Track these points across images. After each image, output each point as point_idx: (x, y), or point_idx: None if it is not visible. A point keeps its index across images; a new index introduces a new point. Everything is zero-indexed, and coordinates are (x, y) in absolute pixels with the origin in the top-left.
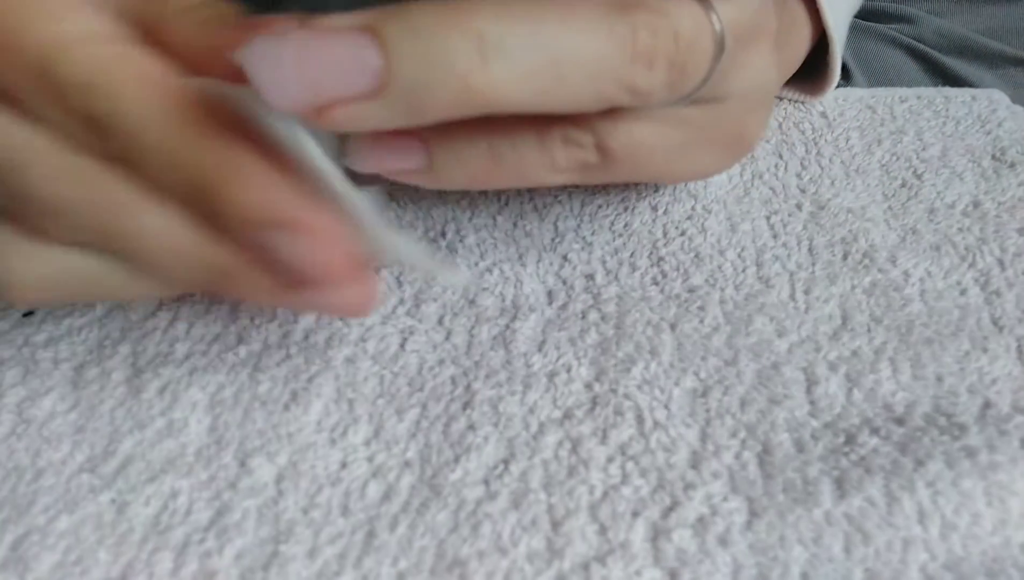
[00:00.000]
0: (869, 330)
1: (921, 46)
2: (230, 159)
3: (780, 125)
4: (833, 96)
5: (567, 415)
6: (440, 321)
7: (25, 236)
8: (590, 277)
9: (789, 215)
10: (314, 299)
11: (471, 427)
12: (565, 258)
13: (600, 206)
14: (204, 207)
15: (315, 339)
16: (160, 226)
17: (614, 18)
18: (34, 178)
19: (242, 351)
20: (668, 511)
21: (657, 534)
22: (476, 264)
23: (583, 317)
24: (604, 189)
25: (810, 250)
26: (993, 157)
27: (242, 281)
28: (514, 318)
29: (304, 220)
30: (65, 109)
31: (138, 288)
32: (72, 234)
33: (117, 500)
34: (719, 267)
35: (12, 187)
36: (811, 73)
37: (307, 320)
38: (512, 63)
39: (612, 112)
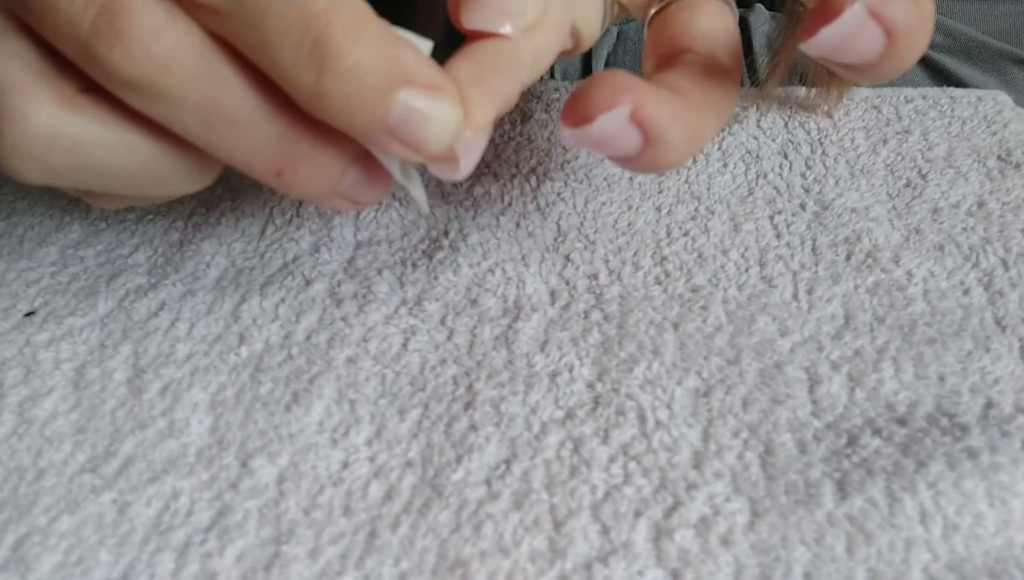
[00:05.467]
0: (872, 330)
1: (926, 50)
2: (368, 25)
3: (786, 125)
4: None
5: (569, 415)
6: (442, 321)
7: (58, 93)
8: (593, 277)
9: (793, 215)
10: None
11: (473, 427)
12: (568, 258)
13: (604, 205)
14: (330, 72)
15: (317, 339)
16: (247, 105)
17: None
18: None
19: (243, 352)
20: (670, 511)
21: (659, 534)
22: (479, 264)
23: (585, 317)
24: (608, 188)
25: (813, 250)
26: (999, 158)
27: (305, 164)
28: (516, 318)
29: (437, 82)
30: None
31: (166, 175)
32: (154, 109)
33: (118, 500)
34: (722, 267)
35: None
36: None
37: (309, 320)
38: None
39: None
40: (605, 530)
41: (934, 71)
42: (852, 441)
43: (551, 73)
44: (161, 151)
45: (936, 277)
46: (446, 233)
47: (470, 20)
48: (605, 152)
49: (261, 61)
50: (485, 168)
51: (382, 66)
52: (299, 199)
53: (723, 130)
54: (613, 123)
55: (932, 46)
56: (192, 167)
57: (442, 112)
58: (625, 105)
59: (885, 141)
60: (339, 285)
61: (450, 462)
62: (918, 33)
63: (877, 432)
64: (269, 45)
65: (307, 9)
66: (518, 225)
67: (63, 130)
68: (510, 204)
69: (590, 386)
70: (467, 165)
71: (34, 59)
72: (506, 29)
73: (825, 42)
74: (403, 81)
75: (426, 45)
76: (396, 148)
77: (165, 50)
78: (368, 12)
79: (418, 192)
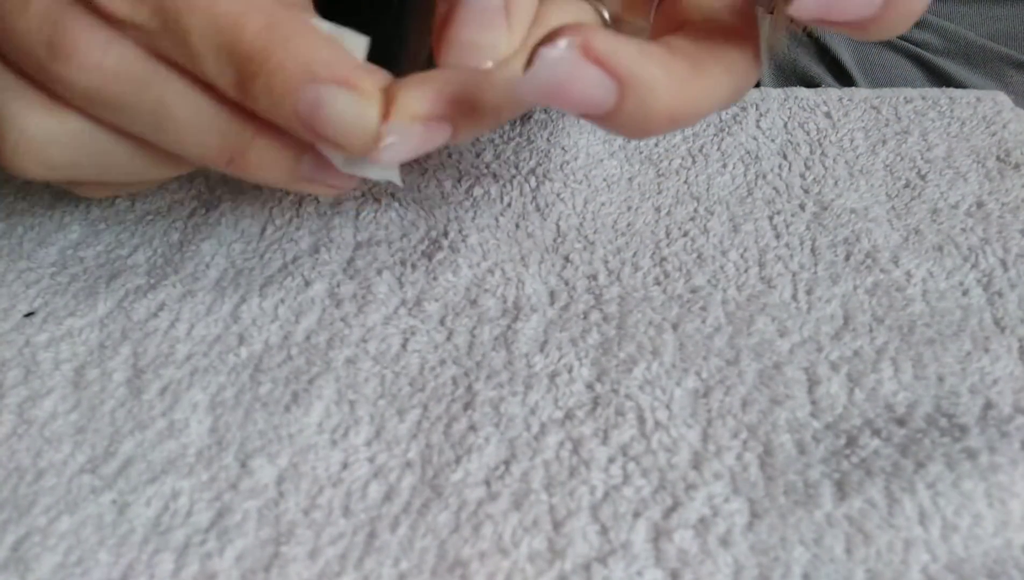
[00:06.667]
0: (871, 330)
1: (925, 53)
2: (278, 28)
3: (785, 125)
4: (838, 96)
5: (568, 416)
6: (442, 321)
7: (44, 97)
8: (592, 277)
9: (792, 215)
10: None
11: (472, 428)
12: (567, 259)
13: (603, 205)
14: (246, 75)
15: (316, 340)
16: (190, 103)
17: None
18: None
19: (243, 352)
20: (669, 511)
21: (658, 534)
22: (478, 264)
23: (585, 317)
24: (607, 188)
25: (813, 250)
26: (998, 158)
27: (253, 152)
28: (516, 319)
29: (351, 79)
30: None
31: (144, 168)
32: (111, 115)
33: (118, 501)
34: (721, 267)
35: (60, 74)
36: None
37: (308, 321)
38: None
39: None
40: (604, 531)
41: (933, 74)
42: (851, 442)
43: None
44: (133, 149)
45: (935, 278)
46: (445, 234)
47: (447, 61)
48: (577, 107)
49: (192, 69)
50: (484, 168)
51: (290, 65)
52: (274, 188)
53: (723, 132)
54: (560, 58)
55: (931, 49)
56: (164, 159)
57: (351, 105)
58: (569, 37)
59: (884, 142)
60: (338, 286)
61: (449, 462)
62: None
63: (876, 433)
64: (194, 57)
65: (220, 19)
66: (517, 226)
67: (58, 128)
68: (509, 205)
69: (589, 387)
70: (391, 156)
71: (11, 74)
72: (487, 65)
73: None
74: (310, 77)
75: (360, 41)
76: (318, 141)
77: (113, 61)
78: (282, 15)
79: (378, 173)
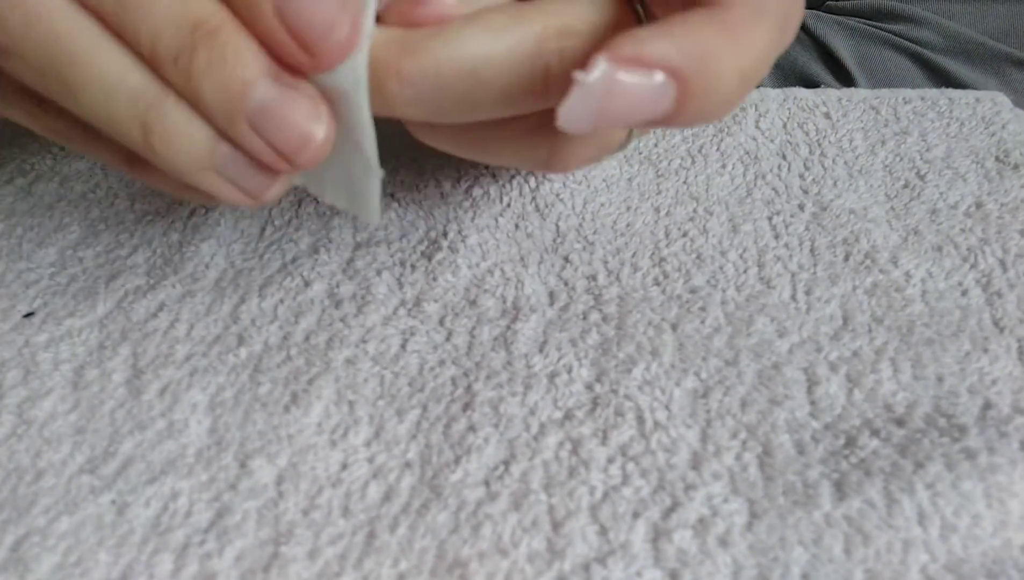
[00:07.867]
0: (870, 330)
1: (925, 51)
2: None
3: (784, 126)
4: (837, 97)
5: (568, 416)
6: (441, 322)
7: None
8: (592, 278)
9: (791, 216)
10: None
11: (472, 428)
12: (567, 259)
13: (602, 206)
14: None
15: (316, 340)
16: (104, 59)
17: None
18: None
19: (242, 352)
20: (669, 512)
21: (658, 535)
22: (477, 265)
23: (584, 318)
24: (607, 189)
25: (812, 251)
26: (996, 159)
27: (167, 123)
28: (515, 319)
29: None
30: None
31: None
32: (19, 72)
33: (117, 501)
34: (720, 268)
35: None
36: None
37: (308, 321)
38: None
39: None
40: (603, 531)
41: (933, 72)
42: (850, 442)
43: None
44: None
45: (934, 278)
46: (445, 234)
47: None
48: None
49: (131, 36)
50: (484, 168)
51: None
52: (176, 175)
53: (722, 132)
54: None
55: (930, 47)
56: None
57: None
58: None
59: (883, 142)
60: (338, 286)
61: (449, 463)
62: (723, 56)
63: (875, 433)
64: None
65: None
66: (517, 226)
67: None
68: (509, 205)
69: (589, 387)
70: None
71: None
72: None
73: (573, 118)
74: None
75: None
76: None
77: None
78: None
79: (339, 197)
